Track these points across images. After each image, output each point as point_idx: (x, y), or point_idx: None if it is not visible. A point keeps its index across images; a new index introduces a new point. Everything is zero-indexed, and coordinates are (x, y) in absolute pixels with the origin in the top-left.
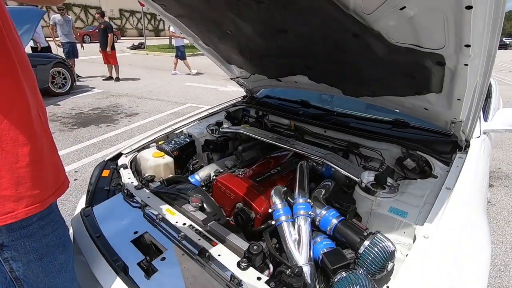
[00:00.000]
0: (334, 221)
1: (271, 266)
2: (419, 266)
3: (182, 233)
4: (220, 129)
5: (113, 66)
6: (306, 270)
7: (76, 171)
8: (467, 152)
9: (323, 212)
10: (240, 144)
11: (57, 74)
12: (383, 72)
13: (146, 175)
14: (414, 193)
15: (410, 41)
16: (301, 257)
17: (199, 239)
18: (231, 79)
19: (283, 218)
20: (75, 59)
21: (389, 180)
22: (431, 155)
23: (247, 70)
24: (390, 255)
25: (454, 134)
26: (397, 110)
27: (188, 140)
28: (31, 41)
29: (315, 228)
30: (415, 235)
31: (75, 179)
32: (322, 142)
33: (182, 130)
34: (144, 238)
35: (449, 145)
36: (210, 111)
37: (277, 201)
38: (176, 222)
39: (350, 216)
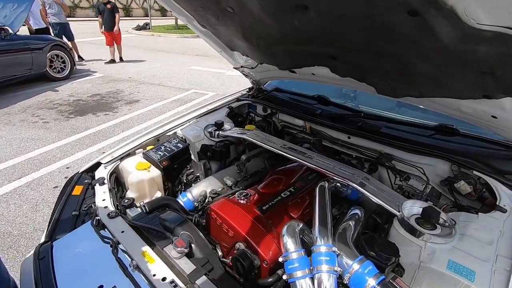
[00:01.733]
0: (372, 282)
1: None
2: None
3: None
4: (220, 133)
5: (117, 46)
6: None
7: (68, 167)
8: None
9: (355, 266)
10: (244, 151)
11: (56, 58)
12: (445, 68)
13: (125, 198)
14: (478, 236)
15: (503, 22)
16: None
17: None
18: (235, 68)
19: (299, 273)
20: (75, 41)
21: (443, 215)
22: (493, 177)
23: (253, 59)
24: None
25: None
26: (449, 115)
27: (181, 146)
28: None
29: (342, 285)
30: None
31: (66, 177)
32: (345, 151)
33: (176, 132)
34: None
35: None
36: (210, 107)
37: (290, 246)
38: (154, 275)
39: (389, 269)
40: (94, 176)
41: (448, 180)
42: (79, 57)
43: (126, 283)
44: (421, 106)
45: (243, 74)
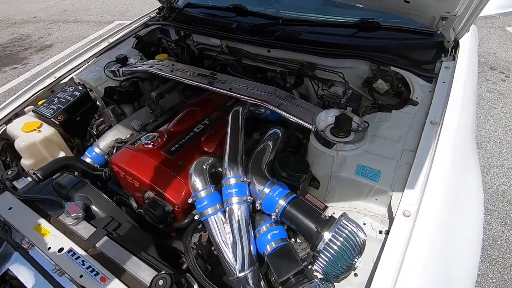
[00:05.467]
0: (281, 202)
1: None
2: (398, 264)
3: (56, 267)
4: (124, 69)
5: None
6: (250, 277)
7: None
8: (454, 57)
9: (266, 190)
10: (157, 86)
11: None
12: None
13: (9, 169)
14: (388, 135)
15: None
16: (238, 264)
17: (81, 276)
18: None
19: (209, 210)
20: None
21: (355, 119)
22: (408, 70)
23: None
24: (359, 250)
25: (440, 34)
26: (362, 5)
27: (78, 93)
28: None
29: (259, 211)
30: (391, 207)
31: None
32: (268, 67)
33: (72, 77)
34: (6, 282)
35: (431, 50)
36: (111, 39)
37: (198, 185)
38: (49, 248)
39: (303, 186)
40: None
41: (367, 80)
42: None
43: (22, 264)
44: (339, 1)
45: None
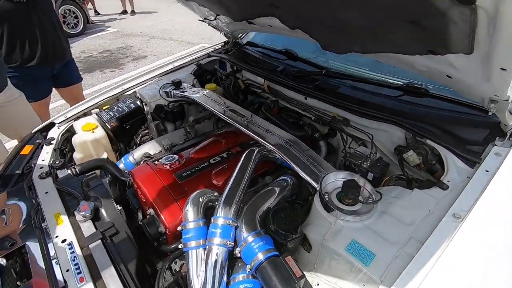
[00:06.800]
0: (260, 256)
1: None
2: None
3: (55, 255)
4: (174, 92)
5: None
6: None
7: None
8: None
9: (249, 239)
10: (200, 111)
11: (68, 13)
12: (374, 16)
13: (58, 159)
14: (400, 216)
15: None
16: None
17: (68, 270)
18: (200, 20)
19: (193, 243)
20: None
21: (368, 187)
22: (447, 148)
23: (209, 9)
24: None
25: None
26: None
27: (134, 106)
28: None
29: (240, 258)
30: None
31: None
32: (302, 112)
33: (135, 91)
34: (19, 254)
35: (484, 130)
36: (177, 63)
37: (190, 216)
38: (57, 236)
39: (292, 245)
40: (46, 136)
41: (398, 149)
42: (96, 11)
43: (35, 243)
44: (381, 61)
45: (211, 26)
